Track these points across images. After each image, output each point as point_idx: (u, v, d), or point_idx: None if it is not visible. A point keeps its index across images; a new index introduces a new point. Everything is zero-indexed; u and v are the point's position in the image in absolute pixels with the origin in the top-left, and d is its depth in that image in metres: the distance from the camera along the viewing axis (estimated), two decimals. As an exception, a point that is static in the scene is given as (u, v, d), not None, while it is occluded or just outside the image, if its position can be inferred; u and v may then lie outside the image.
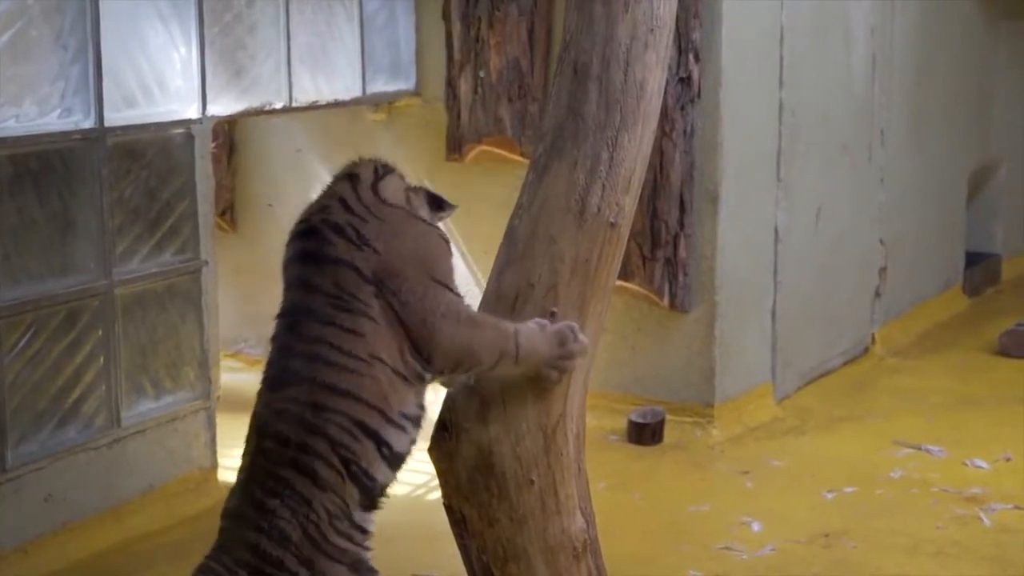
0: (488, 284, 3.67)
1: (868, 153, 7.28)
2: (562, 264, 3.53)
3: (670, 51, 3.72)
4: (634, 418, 5.96)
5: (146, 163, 4.95)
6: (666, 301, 5.98)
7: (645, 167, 3.66)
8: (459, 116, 6.40)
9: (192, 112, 5.14)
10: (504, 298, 3.56)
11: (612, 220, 3.56)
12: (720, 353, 6.03)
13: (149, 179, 4.96)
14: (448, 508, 3.69)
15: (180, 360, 5.11)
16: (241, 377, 7.00)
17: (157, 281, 4.99)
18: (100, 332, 4.75)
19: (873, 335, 7.43)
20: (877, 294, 7.47)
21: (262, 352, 6.94)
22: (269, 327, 7.23)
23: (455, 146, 6.44)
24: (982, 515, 5.01)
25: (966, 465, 5.57)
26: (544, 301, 3.53)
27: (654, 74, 3.62)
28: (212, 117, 5.25)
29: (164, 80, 5.04)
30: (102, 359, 4.76)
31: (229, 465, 5.48)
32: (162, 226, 5.00)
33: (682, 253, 5.93)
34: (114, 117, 4.79)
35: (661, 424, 5.94)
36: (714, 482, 5.54)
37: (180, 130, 5.08)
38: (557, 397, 3.56)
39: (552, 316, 3.53)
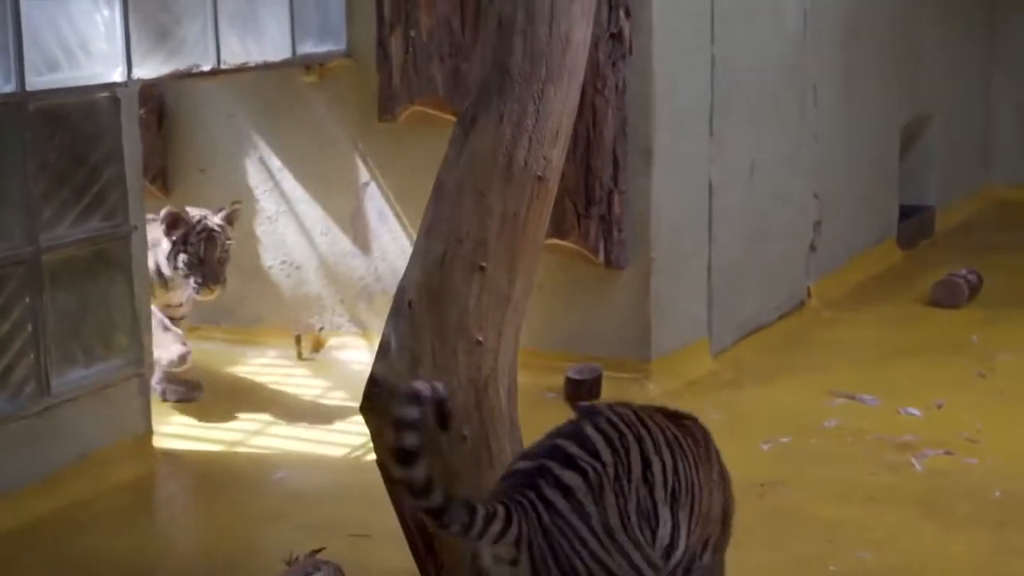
0: (417, 241, 3.67)
1: (800, 108, 7.31)
2: (491, 219, 3.53)
3: (595, 4, 3.72)
4: (571, 375, 5.97)
5: (70, 128, 4.87)
6: (601, 258, 5.99)
7: (572, 120, 3.66)
8: (391, 77, 6.35)
9: (117, 75, 5.06)
10: (433, 254, 3.56)
11: (540, 174, 3.56)
12: (656, 309, 6.06)
13: (74, 144, 4.88)
14: (381, 466, 3.69)
15: (111, 327, 5.06)
16: (177, 344, 6.96)
17: (85, 247, 4.92)
18: (27, 299, 4.67)
19: (808, 288, 7.49)
20: (812, 248, 7.52)
21: (197, 319, 6.93)
22: (203, 292, 6.96)
23: (388, 107, 6.40)
24: (914, 461, 5.08)
25: (899, 413, 5.64)
26: (473, 256, 3.53)
27: (579, 26, 3.62)
28: (138, 80, 5.17)
29: (87, 43, 4.96)
30: (30, 327, 4.68)
31: (164, 431, 5.45)
32: (89, 191, 4.93)
33: (616, 210, 5.93)
34: (36, 81, 4.70)
35: (598, 380, 5.95)
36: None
37: (105, 94, 5.00)
38: (488, 353, 3.57)
39: (481, 271, 3.53)
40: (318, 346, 6.81)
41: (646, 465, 3.09)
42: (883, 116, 8.52)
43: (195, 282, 5.77)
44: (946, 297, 7.47)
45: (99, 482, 4.90)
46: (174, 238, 5.76)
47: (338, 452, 5.24)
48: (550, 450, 3.10)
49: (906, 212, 8.95)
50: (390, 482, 3.69)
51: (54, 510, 4.69)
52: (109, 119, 5.01)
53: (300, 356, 6.70)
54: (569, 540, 2.97)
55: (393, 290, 3.71)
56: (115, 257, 5.06)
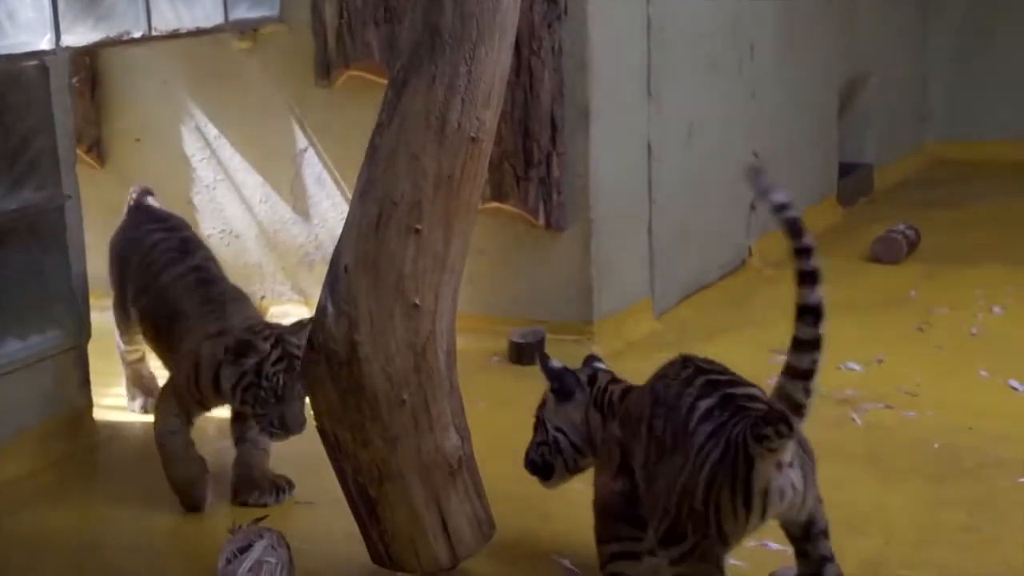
0: (351, 204, 3.64)
1: (738, 68, 7.32)
2: (425, 181, 3.52)
3: (526, -38, 3.70)
4: (514, 338, 5.97)
5: (-3, 97, 4.80)
6: (542, 220, 5.98)
7: (505, 81, 3.64)
8: (326, 42, 6.30)
9: (45, 43, 4.97)
10: (368, 217, 3.54)
11: (473, 135, 3.54)
12: (597, 271, 6.06)
13: (2, 114, 4.80)
14: (321, 431, 3.68)
15: (47, 299, 4.99)
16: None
17: (17, 218, 4.85)
18: (-40, 272, 4.62)
19: (750, 248, 7.52)
20: (752, 207, 7.54)
21: (137, 291, 6.82)
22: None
23: (323, 72, 6.35)
24: (855, 416, 5.12)
25: (839, 368, 5.68)
26: (408, 219, 3.51)
27: (510, -14, 3.59)
28: (67, 48, 5.09)
29: (13, 11, 4.87)
30: (-37, 300, 4.63)
31: (104, 404, 5.40)
32: (19, 162, 4.85)
33: (555, 172, 5.92)
34: (-38, 51, 4.64)
35: (541, 343, 5.95)
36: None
37: (33, 62, 4.92)
38: (426, 315, 3.56)
39: (417, 234, 3.51)
40: (260, 315, 6.76)
41: None
42: (821, 75, 8.55)
43: (270, 426, 4.35)
44: (885, 253, 7.53)
45: (39, 456, 4.85)
46: (243, 369, 4.34)
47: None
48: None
49: (845, 170, 9.01)
50: (331, 449, 3.69)
51: (-7, 485, 4.65)
52: (38, 88, 4.92)
53: None
54: None
55: (334, 258, 3.68)
56: (49, 228, 4.99)
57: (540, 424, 3.81)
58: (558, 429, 3.75)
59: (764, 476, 3.15)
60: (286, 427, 4.31)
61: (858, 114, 9.44)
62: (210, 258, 5.13)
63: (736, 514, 3.17)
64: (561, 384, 3.76)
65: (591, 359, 3.96)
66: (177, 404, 4.53)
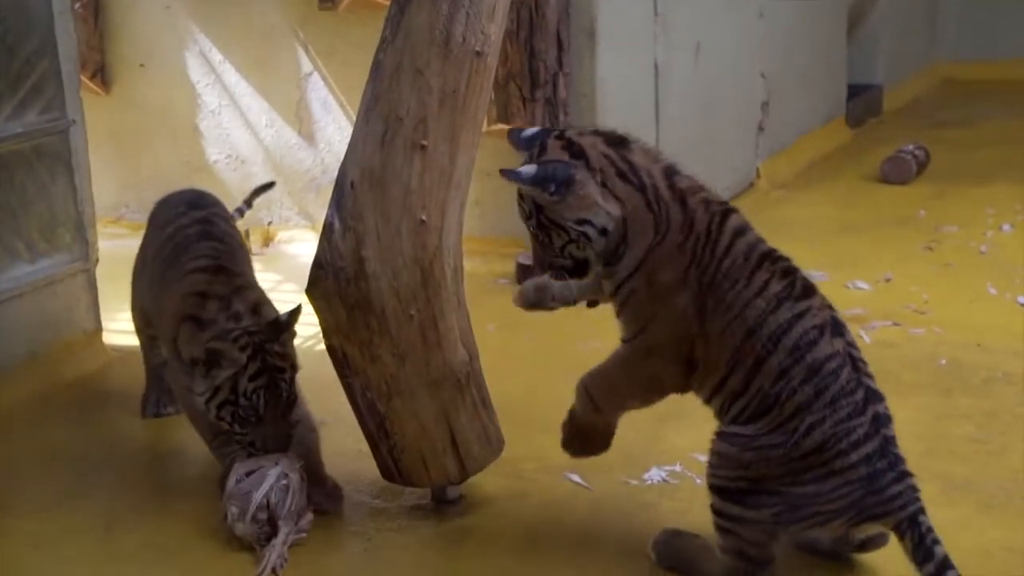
0: (357, 122, 3.62)
1: (747, -14, 7.26)
2: (430, 96, 3.49)
3: None
4: (522, 260, 5.96)
5: (0, 19, 4.76)
6: (548, 142, 5.95)
7: (509, -6, 3.60)
8: (329, -38, 6.26)
9: (46, -35, 4.94)
10: (373, 134, 3.52)
11: (478, 49, 3.51)
12: (605, 191, 6.03)
13: (5, 36, 4.77)
14: (330, 348, 3.69)
15: (54, 222, 4.99)
16: (124, 243, 6.88)
17: (22, 141, 4.83)
18: (-33, 195, 4.62)
19: (757, 169, 7.49)
20: (760, 128, 7.52)
21: (143, 217, 6.85)
22: (149, 190, 7.10)
23: (327, -6, 6.32)
24: (863, 333, 5.12)
25: (848, 287, 5.68)
26: (414, 135, 3.49)
27: (513, -102, 3.55)
28: (68, -30, 5.06)
29: (13, -68, 4.83)
30: (-29, 223, 4.64)
31: (113, 328, 5.42)
32: (23, 85, 4.83)
33: (562, 92, 5.89)
34: (-37, -26, 4.60)
35: (549, 265, 5.95)
36: (602, 319, 5.53)
37: (34, -15, 4.89)
38: (432, 231, 3.55)
39: (422, 149, 3.50)
40: (267, 240, 6.77)
41: None
42: (830, -6, 8.48)
43: (251, 447, 3.75)
44: (894, 173, 7.50)
45: (50, 379, 4.88)
46: (217, 383, 3.71)
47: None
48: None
49: (854, 91, 8.95)
50: (340, 366, 3.70)
51: (4, 408, 4.67)
52: (40, 11, 4.89)
53: (249, 251, 6.64)
54: None
55: (341, 181, 3.66)
56: (55, 152, 4.98)
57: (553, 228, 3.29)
58: (581, 222, 3.25)
59: None
60: (268, 449, 3.73)
61: (868, 34, 9.35)
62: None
63: None
64: (553, 179, 3.21)
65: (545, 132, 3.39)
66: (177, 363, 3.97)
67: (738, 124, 7.27)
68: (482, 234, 5.85)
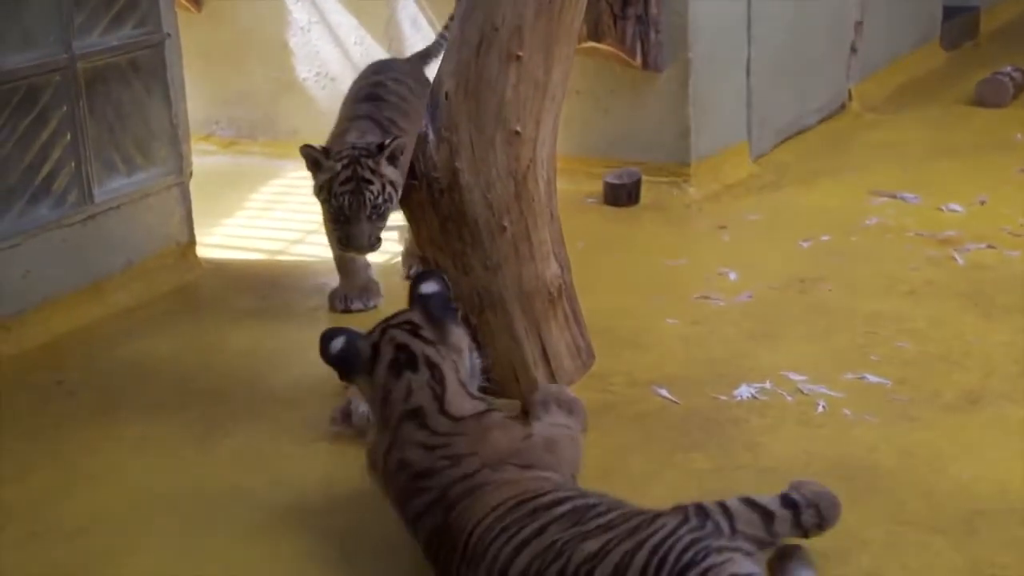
0: (452, 31, 3.62)
1: (842, -97, 7.10)
2: (525, 6, 3.48)
3: None
4: (610, 180, 5.95)
5: (97, -68, 4.80)
6: (639, 60, 5.90)
7: (607, -97, 3.56)
8: None
9: None
10: (468, 43, 3.51)
11: (575, -42, 3.48)
12: (695, 112, 5.98)
13: (101, -49, 4.81)
14: (422, 259, 3.71)
15: (149, 136, 5.05)
16: (215, 160, 6.97)
17: (119, 55, 4.88)
18: (64, 108, 4.66)
19: (849, 91, 7.37)
20: (853, 50, 7.38)
21: (234, 133, 6.92)
22: (240, 108, 7.18)
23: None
24: (956, 255, 5.06)
25: (941, 210, 5.60)
26: (509, 45, 3.48)
27: None
28: None
29: None
30: (69, 135, 4.68)
31: (206, 242, 5.50)
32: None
33: (653, 10, 5.82)
34: None
35: (637, 184, 5.93)
36: (691, 238, 5.56)
37: (130, -100, 4.92)
38: (526, 143, 3.55)
39: (518, 60, 3.48)
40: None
41: None
42: (928, -88, 8.27)
43: (339, 242, 4.66)
44: (991, 96, 7.35)
45: (145, 290, 4.97)
46: (319, 183, 4.61)
47: (378, 258, 5.26)
48: None
49: (950, 13, 8.74)
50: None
51: (101, 317, 4.77)
52: (136, -75, 4.92)
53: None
54: None
55: (429, 101, 3.67)
56: (149, 65, 5.02)
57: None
58: None
59: None
60: (350, 245, 4.59)
61: (965, -46, 9.13)
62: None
63: None
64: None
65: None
66: None
67: (831, 45, 7.15)
68: (569, 153, 5.83)
